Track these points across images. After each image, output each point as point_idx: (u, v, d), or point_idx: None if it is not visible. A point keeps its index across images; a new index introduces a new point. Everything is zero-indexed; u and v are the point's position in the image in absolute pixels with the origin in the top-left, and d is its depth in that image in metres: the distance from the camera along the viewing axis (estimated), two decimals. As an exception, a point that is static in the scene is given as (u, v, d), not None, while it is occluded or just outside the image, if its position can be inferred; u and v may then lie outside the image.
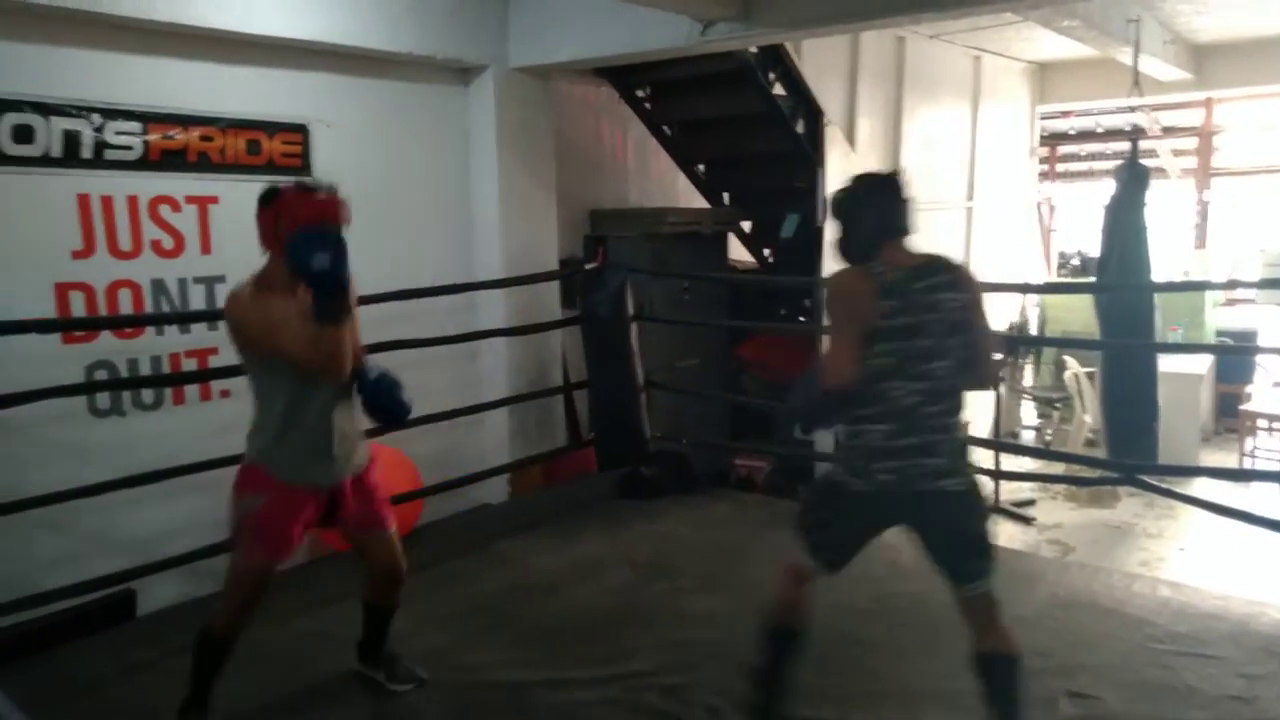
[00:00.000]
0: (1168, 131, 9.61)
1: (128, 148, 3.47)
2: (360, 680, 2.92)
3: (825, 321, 2.32)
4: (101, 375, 3.48)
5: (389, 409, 2.65)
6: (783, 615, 2.41)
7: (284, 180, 3.85)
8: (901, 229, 2.33)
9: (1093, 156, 11.11)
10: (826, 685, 2.82)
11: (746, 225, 5.95)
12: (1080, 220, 10.36)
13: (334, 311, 2.31)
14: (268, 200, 2.41)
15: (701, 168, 5.91)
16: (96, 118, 3.38)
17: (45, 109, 3.25)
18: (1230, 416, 7.40)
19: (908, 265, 2.29)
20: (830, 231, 2.43)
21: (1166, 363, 5.41)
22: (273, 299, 2.37)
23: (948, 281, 2.30)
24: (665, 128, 5.70)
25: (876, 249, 2.28)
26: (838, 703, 2.74)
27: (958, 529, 2.27)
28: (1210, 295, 7.56)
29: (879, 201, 2.34)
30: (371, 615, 2.86)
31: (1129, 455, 3.89)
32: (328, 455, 2.51)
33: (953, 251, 7.53)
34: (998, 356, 2.60)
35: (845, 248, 2.37)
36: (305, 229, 2.29)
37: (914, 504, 2.26)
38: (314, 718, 2.74)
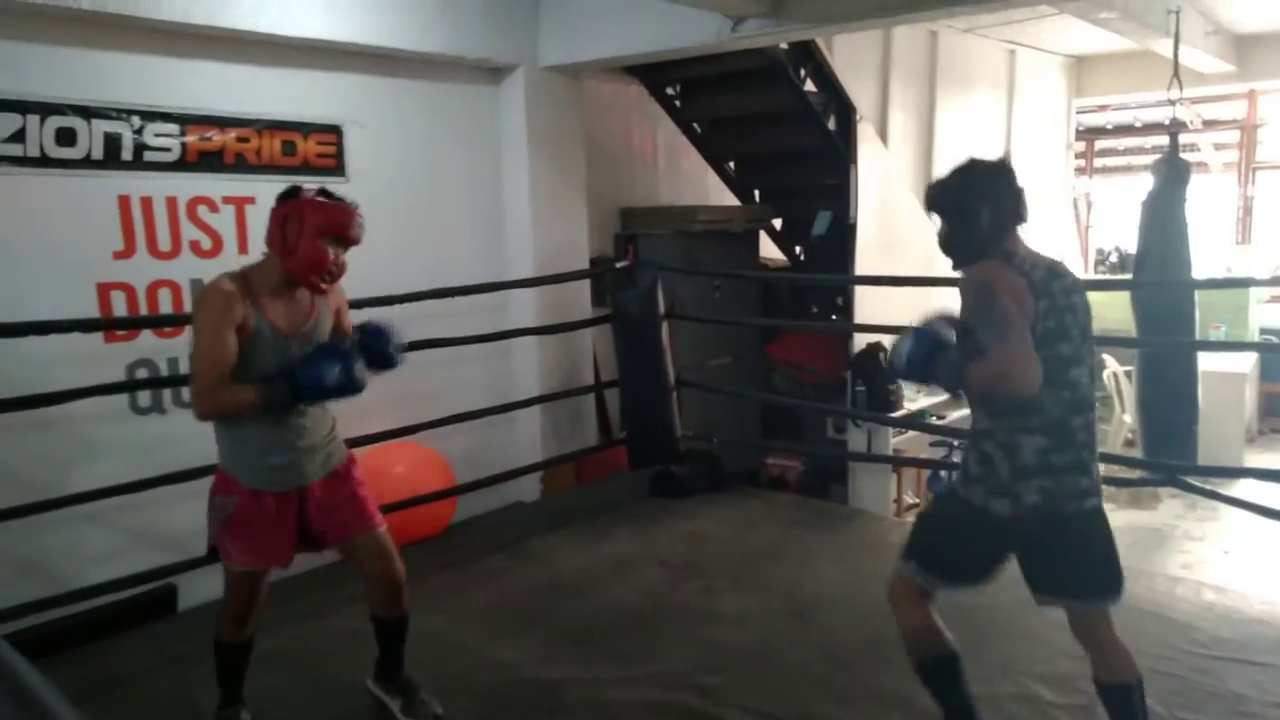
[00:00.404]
0: (1209, 125, 9.39)
1: (166, 149, 3.53)
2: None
3: (977, 316, 2.03)
4: (143, 374, 3.53)
5: (376, 360, 2.55)
6: (923, 645, 2.21)
7: (318, 181, 3.91)
8: (1025, 219, 2.16)
9: (1130, 151, 10.90)
10: (860, 687, 2.80)
11: (778, 223, 5.92)
12: (1118, 216, 10.18)
13: (283, 405, 2.31)
14: (284, 198, 2.39)
15: (732, 165, 5.88)
16: (136, 120, 3.44)
17: (87, 112, 3.31)
18: (1275, 416, 7.22)
19: (1044, 263, 2.14)
20: (934, 225, 2.20)
21: (1208, 361, 5.30)
22: (243, 311, 2.29)
23: (1075, 283, 2.17)
24: (695, 125, 5.68)
25: (1000, 243, 2.11)
26: (873, 704, 2.71)
27: (1094, 547, 2.10)
28: (1254, 292, 7.37)
29: (1000, 189, 2.15)
30: (379, 631, 2.69)
31: (1167, 456, 3.81)
32: (284, 457, 2.40)
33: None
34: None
35: (961, 242, 2.15)
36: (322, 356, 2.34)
37: (1058, 526, 2.06)
38: (352, 716, 2.75)
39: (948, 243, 2.18)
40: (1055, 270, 2.15)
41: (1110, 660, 2.17)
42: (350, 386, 2.36)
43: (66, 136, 3.27)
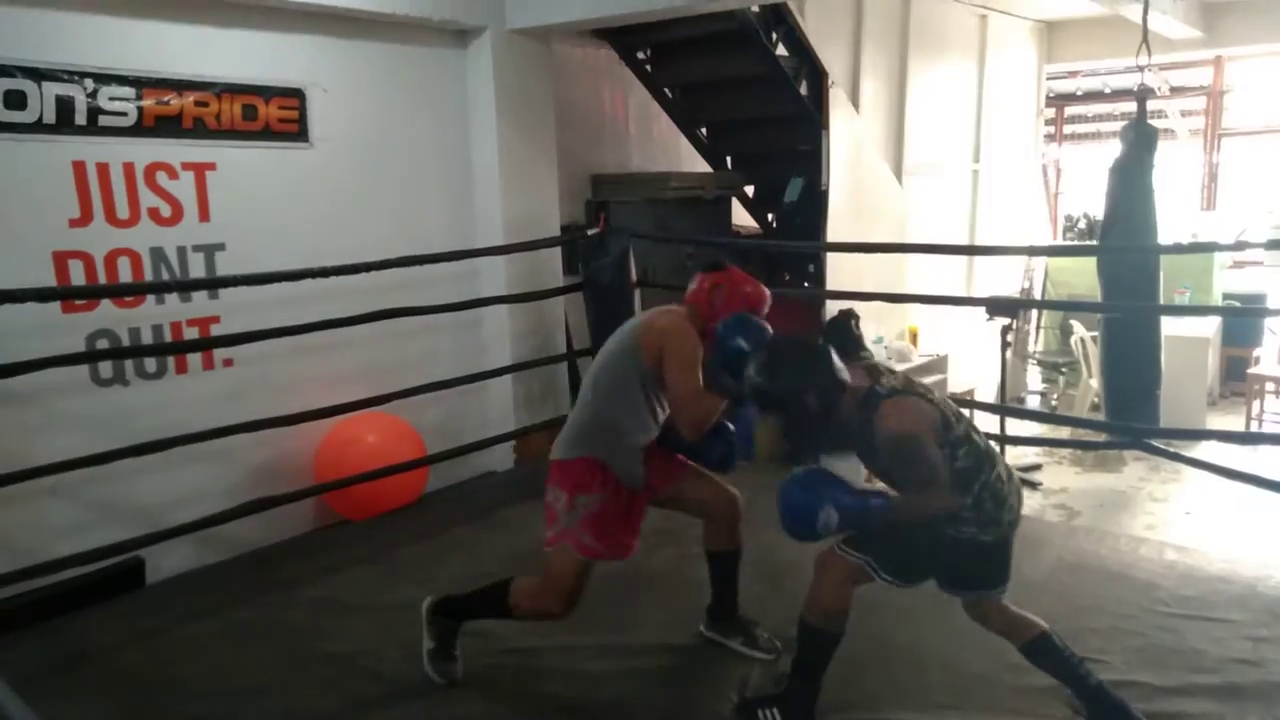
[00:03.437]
0: (1176, 91, 9.48)
1: (122, 114, 3.42)
2: (367, 648, 2.92)
3: (901, 467, 2.30)
4: (103, 344, 3.46)
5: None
6: (831, 621, 2.37)
7: (280, 147, 3.83)
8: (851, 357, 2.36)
9: (1100, 118, 10.97)
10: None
11: (750, 189, 5.89)
12: (1087, 183, 10.26)
13: (731, 386, 2.50)
14: (715, 268, 2.67)
15: (704, 131, 5.83)
16: (90, 83, 3.32)
17: (37, 74, 3.19)
18: (1237, 380, 7.37)
19: (882, 367, 2.40)
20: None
21: (1172, 326, 5.38)
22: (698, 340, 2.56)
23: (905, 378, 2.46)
24: (667, 90, 5.62)
25: (837, 408, 2.26)
26: (844, 667, 2.74)
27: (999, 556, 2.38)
28: (1218, 257, 7.49)
29: (814, 368, 2.26)
30: (719, 567, 2.86)
31: (1130, 419, 3.87)
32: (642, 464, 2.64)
33: (959, 215, 7.50)
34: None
35: (806, 433, 2.52)
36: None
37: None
38: (327, 686, 2.74)
39: (794, 437, 2.35)
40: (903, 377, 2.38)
41: (1015, 628, 2.40)
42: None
43: (16, 100, 3.16)
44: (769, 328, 2.59)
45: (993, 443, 2.35)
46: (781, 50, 4.93)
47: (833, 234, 5.07)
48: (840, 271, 5.15)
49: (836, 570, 2.35)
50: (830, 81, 5.12)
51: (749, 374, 2.28)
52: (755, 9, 4.59)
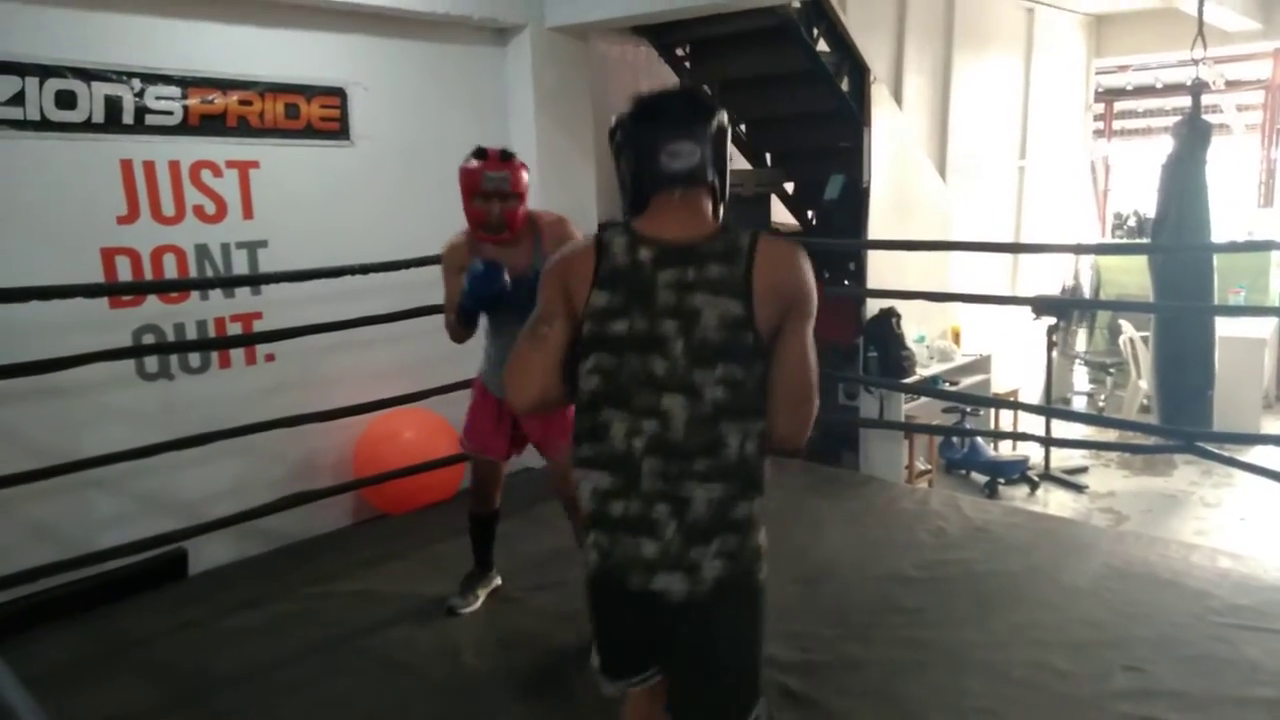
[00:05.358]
0: (1232, 85, 9.20)
1: (168, 113, 3.48)
2: (403, 642, 2.94)
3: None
4: (149, 339, 3.52)
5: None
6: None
7: (320, 145, 3.87)
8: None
9: (1150, 113, 10.70)
10: (871, 654, 2.78)
11: (790, 186, 5.82)
12: (1136, 180, 10.01)
13: (468, 319, 2.73)
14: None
15: (743, 128, 5.77)
16: (137, 82, 3.38)
17: (87, 74, 3.26)
18: (1294, 383, 7.13)
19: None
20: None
21: (1227, 327, 5.22)
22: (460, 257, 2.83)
23: None
24: (706, 87, 5.57)
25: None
26: (883, 671, 2.70)
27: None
28: (1275, 256, 7.25)
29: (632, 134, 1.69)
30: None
31: (1181, 422, 3.76)
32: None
33: (1004, 212, 7.35)
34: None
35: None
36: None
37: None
38: (363, 679, 2.76)
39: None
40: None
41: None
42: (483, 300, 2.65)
43: (66, 99, 3.23)
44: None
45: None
46: (822, 46, 4.86)
47: (874, 231, 4.99)
48: (881, 269, 5.07)
49: None
50: (872, 77, 5.04)
51: None
52: (796, 4, 4.54)
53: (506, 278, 2.61)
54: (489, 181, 2.72)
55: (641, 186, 1.58)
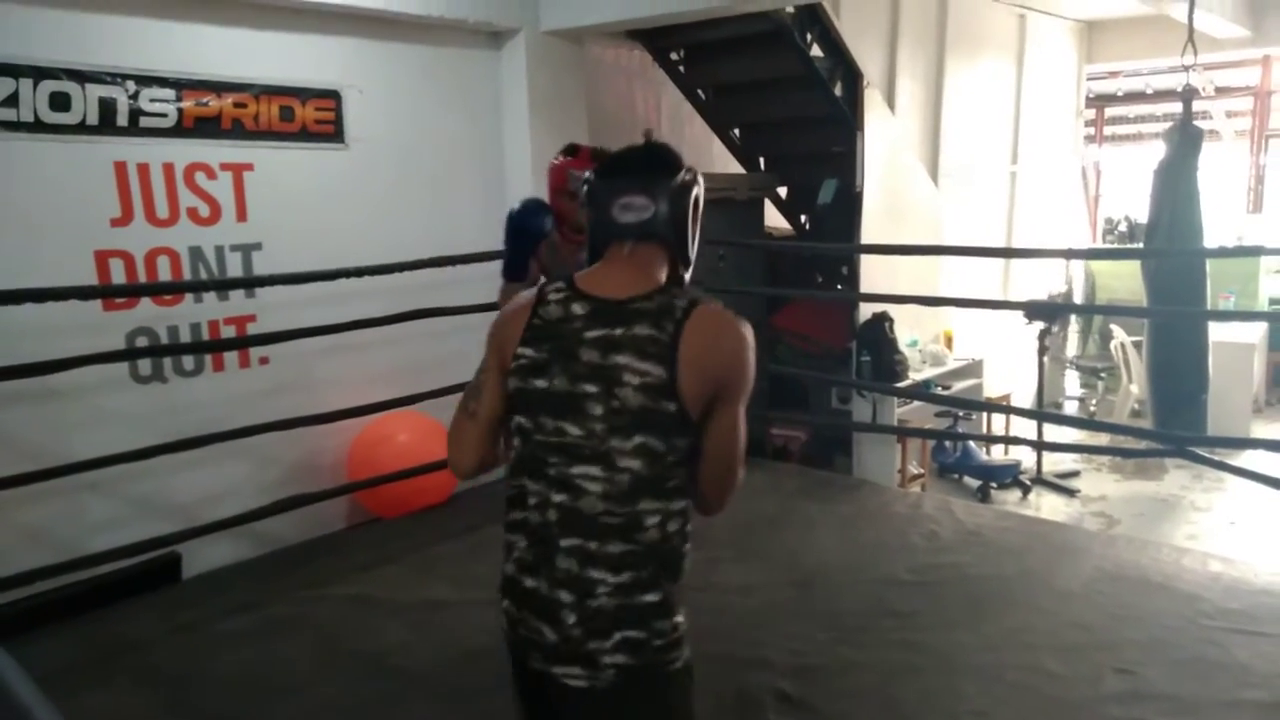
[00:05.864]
0: (1221, 92, 9.27)
1: (162, 115, 3.47)
2: (398, 645, 2.94)
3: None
4: (142, 342, 3.51)
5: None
6: None
7: (315, 148, 3.87)
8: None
9: (1141, 119, 10.77)
10: (864, 657, 2.80)
11: (783, 191, 5.85)
12: (1127, 185, 10.07)
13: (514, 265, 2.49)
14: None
15: (737, 132, 5.80)
16: (131, 85, 3.38)
17: (80, 76, 3.25)
18: (1283, 387, 7.18)
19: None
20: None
21: (1218, 331, 5.25)
22: None
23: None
24: (700, 91, 5.60)
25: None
26: (876, 674, 2.71)
27: None
28: (1264, 261, 7.32)
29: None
30: None
31: (1175, 426, 3.79)
32: None
33: (995, 217, 7.41)
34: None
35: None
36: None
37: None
38: (358, 683, 2.76)
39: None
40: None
41: None
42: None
43: (60, 101, 3.22)
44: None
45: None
46: (816, 51, 4.89)
47: (867, 236, 5.01)
48: (874, 274, 5.09)
49: None
50: (865, 82, 5.07)
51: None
52: (790, 10, 4.56)
53: (550, 221, 2.47)
54: (574, 181, 2.63)
55: (595, 238, 1.52)
